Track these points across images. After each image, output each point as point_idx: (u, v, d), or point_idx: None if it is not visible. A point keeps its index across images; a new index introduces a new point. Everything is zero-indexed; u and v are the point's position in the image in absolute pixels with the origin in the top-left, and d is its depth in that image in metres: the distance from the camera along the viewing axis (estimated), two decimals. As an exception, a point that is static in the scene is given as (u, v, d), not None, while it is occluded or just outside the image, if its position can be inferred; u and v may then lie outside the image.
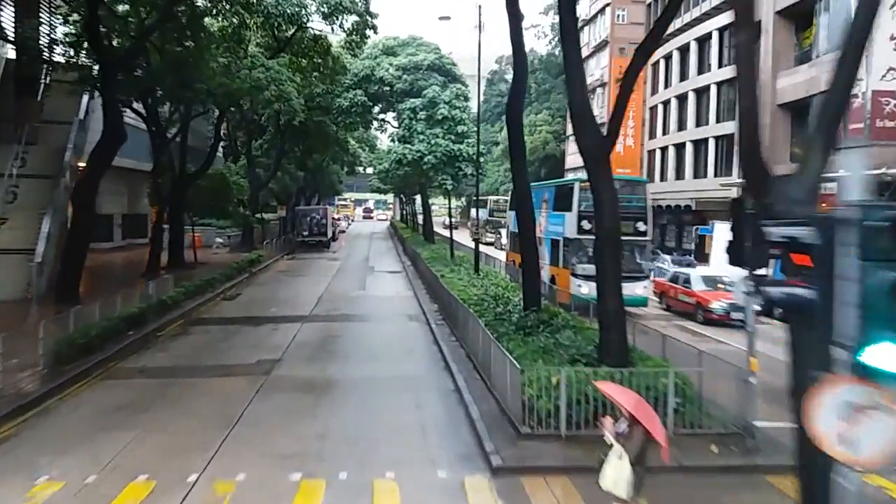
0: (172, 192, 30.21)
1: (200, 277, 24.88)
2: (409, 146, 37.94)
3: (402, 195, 73.60)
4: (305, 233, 46.02)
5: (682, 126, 44.85)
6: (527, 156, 21.03)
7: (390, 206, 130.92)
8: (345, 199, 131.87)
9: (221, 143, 42.26)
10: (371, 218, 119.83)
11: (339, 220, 73.15)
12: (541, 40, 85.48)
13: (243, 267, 31.18)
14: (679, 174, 45.34)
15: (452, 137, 36.00)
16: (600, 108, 54.15)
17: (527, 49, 19.52)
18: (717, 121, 39.87)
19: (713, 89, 40.48)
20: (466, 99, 39.53)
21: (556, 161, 72.65)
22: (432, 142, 36.16)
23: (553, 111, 74.99)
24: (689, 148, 44.13)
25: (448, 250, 35.54)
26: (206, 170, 31.99)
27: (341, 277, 32.62)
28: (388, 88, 39.67)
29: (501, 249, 45.38)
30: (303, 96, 38.42)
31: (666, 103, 47.22)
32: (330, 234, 47.69)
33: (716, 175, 39.45)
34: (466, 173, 36.37)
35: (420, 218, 61.20)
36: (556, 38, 74.01)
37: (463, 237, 57.61)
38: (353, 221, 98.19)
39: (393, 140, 43.19)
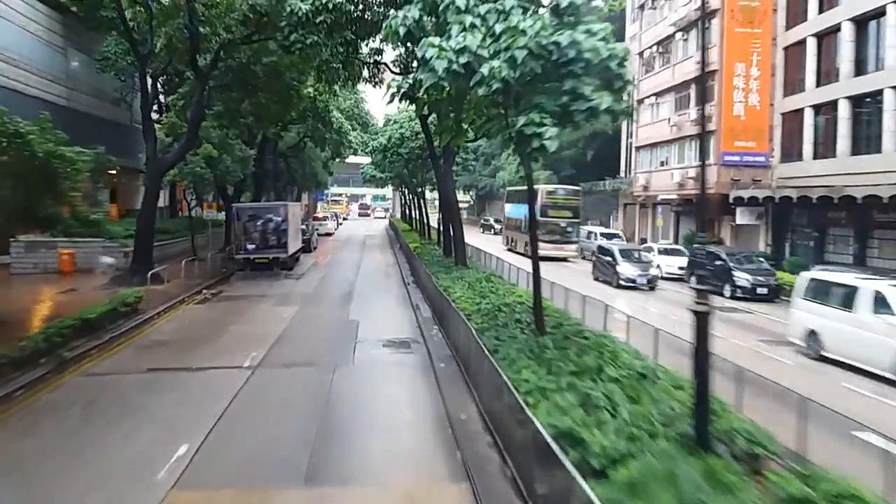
0: None
1: None
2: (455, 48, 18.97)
3: (404, 187, 55.47)
4: (251, 246, 27.95)
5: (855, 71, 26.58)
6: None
7: (389, 201, 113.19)
8: (339, 195, 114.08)
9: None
10: (368, 215, 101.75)
11: (322, 219, 54.91)
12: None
13: (66, 334, 13.27)
14: (830, 148, 27.28)
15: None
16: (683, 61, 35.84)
17: None
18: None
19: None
20: None
21: (610, 139, 54.46)
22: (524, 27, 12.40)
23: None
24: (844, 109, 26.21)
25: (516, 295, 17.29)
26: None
27: (285, 355, 14.42)
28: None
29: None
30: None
31: (822, 38, 28.83)
32: (293, 249, 29.49)
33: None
34: (617, 110, 11.28)
35: (423, 214, 43.32)
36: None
37: (483, 242, 39.79)
38: (344, 220, 79.84)
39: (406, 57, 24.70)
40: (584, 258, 35.99)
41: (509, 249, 39.94)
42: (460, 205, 46.49)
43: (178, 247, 32.93)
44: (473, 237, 43.85)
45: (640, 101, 43.29)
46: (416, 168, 37.99)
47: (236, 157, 32.96)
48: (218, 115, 29.24)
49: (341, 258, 36.01)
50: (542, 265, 12.56)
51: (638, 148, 44.10)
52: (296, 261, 32.12)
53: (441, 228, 29.13)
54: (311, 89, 37.41)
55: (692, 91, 36.49)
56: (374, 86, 28.32)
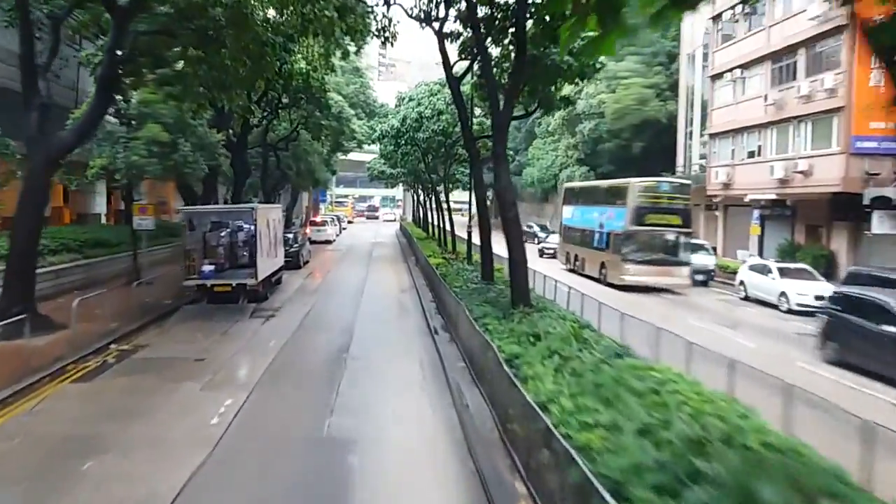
0: None
1: None
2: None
3: (418, 187, 46.48)
4: (208, 268, 18.97)
5: None
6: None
7: (399, 202, 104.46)
8: (344, 196, 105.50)
9: None
10: (376, 218, 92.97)
11: (320, 224, 45.97)
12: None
13: None
14: None
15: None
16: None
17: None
18: None
19: None
20: None
21: (662, 129, 45.39)
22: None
23: (648, 56, 47.64)
24: None
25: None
26: None
27: None
28: None
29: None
30: None
31: None
32: (269, 270, 20.24)
33: None
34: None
35: (446, 219, 34.06)
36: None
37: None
38: (348, 224, 70.95)
39: None
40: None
41: (571, 270, 29.79)
42: (461, 206, 37.14)
43: (122, 265, 24.18)
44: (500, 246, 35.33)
45: (716, 77, 34.18)
46: (436, 160, 29.08)
47: (197, 143, 24.19)
48: (164, 80, 20.30)
49: (339, 278, 26.99)
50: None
51: (713, 136, 34.91)
52: (276, 284, 23.21)
53: (478, 242, 20.00)
54: (303, 63, 28.99)
55: (801, 57, 27.36)
56: (384, 42, 19.69)
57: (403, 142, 27.27)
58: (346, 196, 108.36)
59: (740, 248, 32.82)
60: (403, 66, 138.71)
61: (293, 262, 28.64)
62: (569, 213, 32.07)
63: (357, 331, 16.00)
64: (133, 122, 23.41)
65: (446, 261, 25.96)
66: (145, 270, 23.56)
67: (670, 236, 24.92)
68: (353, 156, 75.77)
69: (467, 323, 13.49)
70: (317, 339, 15.22)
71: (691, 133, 43.35)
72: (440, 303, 19.01)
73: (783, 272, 22.12)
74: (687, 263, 25.24)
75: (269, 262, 20.94)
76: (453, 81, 18.91)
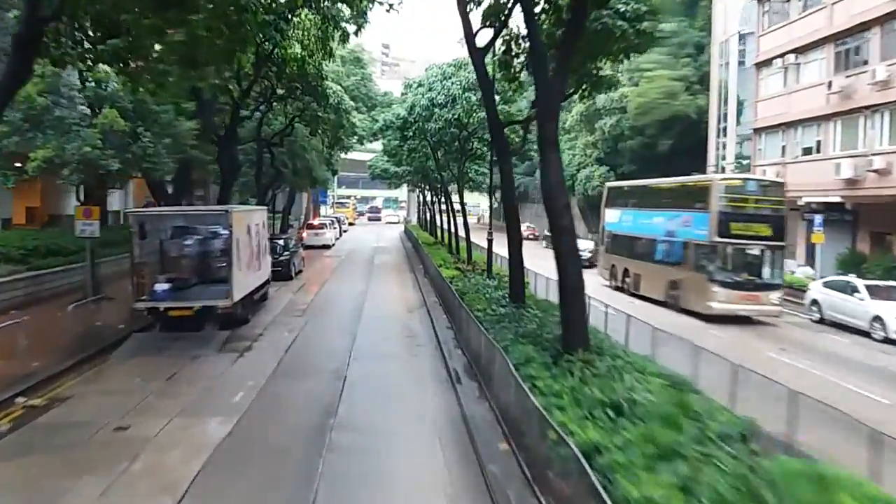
0: None
1: None
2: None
3: (426, 187, 42.44)
4: (162, 287, 14.96)
5: None
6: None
7: (402, 204, 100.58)
8: (346, 197, 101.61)
9: None
10: (379, 220, 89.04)
11: (318, 228, 41.91)
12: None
13: None
14: None
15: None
16: None
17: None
18: None
19: None
20: None
21: (691, 125, 41.37)
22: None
23: (676, 48, 43.53)
24: None
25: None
26: None
27: None
28: None
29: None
30: None
31: None
32: (247, 288, 16.07)
33: None
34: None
35: (459, 224, 29.84)
36: None
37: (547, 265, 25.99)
38: (349, 226, 66.96)
39: None
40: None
41: (617, 288, 24.66)
42: (469, 209, 32.97)
43: (76, 278, 20.24)
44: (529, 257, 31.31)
45: (762, 64, 30.11)
46: (449, 157, 25.06)
47: (161, 133, 20.27)
48: (114, 53, 16.24)
49: (335, 293, 22.85)
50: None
51: (759, 130, 30.84)
52: (262, 301, 19.25)
53: (494, 250, 15.89)
54: (298, 48, 25.40)
55: (875, 37, 23.29)
56: (389, 8, 16.00)
57: (411, 134, 23.25)
58: (347, 197, 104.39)
59: (787, 257, 28.71)
60: (408, 65, 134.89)
61: (283, 272, 24.67)
62: (614, 216, 26.01)
63: (351, 375, 11.93)
64: (91, 107, 19.58)
65: (461, 273, 21.97)
66: (106, 285, 19.63)
67: (763, 251, 19.63)
68: (355, 155, 71.77)
69: (505, 371, 9.47)
70: (296, 390, 11.13)
71: (724, 129, 39.33)
72: (459, 331, 14.94)
73: (873, 291, 18.03)
74: (779, 286, 20.08)
75: (249, 276, 16.91)
76: (476, 54, 14.95)
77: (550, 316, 14.16)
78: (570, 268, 10.47)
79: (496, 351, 10.16)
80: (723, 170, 37.95)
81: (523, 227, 47.57)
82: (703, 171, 39.90)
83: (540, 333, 12.21)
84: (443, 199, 35.96)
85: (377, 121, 24.88)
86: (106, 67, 16.32)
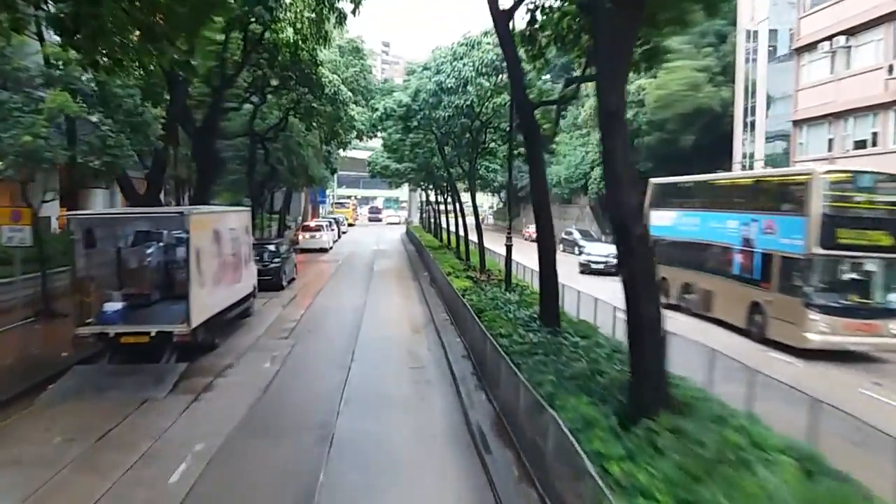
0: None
1: None
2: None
3: (431, 186, 39.39)
4: (112, 307, 11.83)
5: None
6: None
7: (403, 204, 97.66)
8: (345, 198, 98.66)
9: None
10: (380, 220, 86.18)
11: (314, 230, 38.83)
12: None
13: None
14: None
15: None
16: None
17: None
18: None
19: None
20: None
21: (714, 119, 38.33)
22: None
23: (697, 37, 40.38)
24: None
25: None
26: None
27: None
28: None
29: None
30: None
31: None
32: (214, 308, 13.08)
33: None
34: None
35: (470, 226, 26.66)
36: None
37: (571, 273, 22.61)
38: (349, 227, 63.97)
39: None
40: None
41: (670, 307, 18.10)
42: (479, 209, 29.53)
43: (26, 291, 17.13)
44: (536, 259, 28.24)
45: (804, 49, 27.09)
46: (459, 150, 22.03)
47: (128, 120, 17.31)
48: (56, 21, 13.18)
49: (328, 307, 19.66)
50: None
51: (799, 122, 27.82)
52: (241, 318, 16.26)
53: (539, 270, 12.75)
54: (290, 31, 22.68)
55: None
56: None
57: (415, 124, 20.21)
58: (348, 197, 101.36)
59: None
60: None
61: (273, 281, 21.68)
62: (664, 218, 20.86)
63: (340, 434, 8.84)
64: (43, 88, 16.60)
65: (474, 283, 18.94)
66: (60, 300, 16.61)
67: (880, 265, 14.49)
68: (355, 153, 68.86)
69: (558, 441, 6.45)
70: (263, 461, 8.02)
71: (751, 124, 36.30)
72: (480, 365, 11.84)
73: None
74: None
75: (218, 292, 13.86)
76: (501, 20, 11.94)
77: (595, 346, 11.17)
78: (644, 300, 7.41)
79: (541, 407, 7.13)
80: (749, 167, 34.93)
81: (530, 229, 44.32)
82: (729, 169, 36.90)
83: (591, 375, 9.19)
84: (449, 199, 32.91)
85: (376, 109, 21.81)
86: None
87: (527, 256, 19.72)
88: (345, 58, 40.23)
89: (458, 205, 27.56)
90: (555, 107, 13.53)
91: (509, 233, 18.11)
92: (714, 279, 18.39)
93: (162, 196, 32.18)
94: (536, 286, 19.63)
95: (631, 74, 40.08)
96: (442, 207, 39.77)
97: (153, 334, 11.87)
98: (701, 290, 18.95)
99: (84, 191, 32.35)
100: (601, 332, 12.71)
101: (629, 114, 41.65)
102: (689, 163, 40.35)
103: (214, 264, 13.57)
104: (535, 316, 13.11)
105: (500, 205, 75.70)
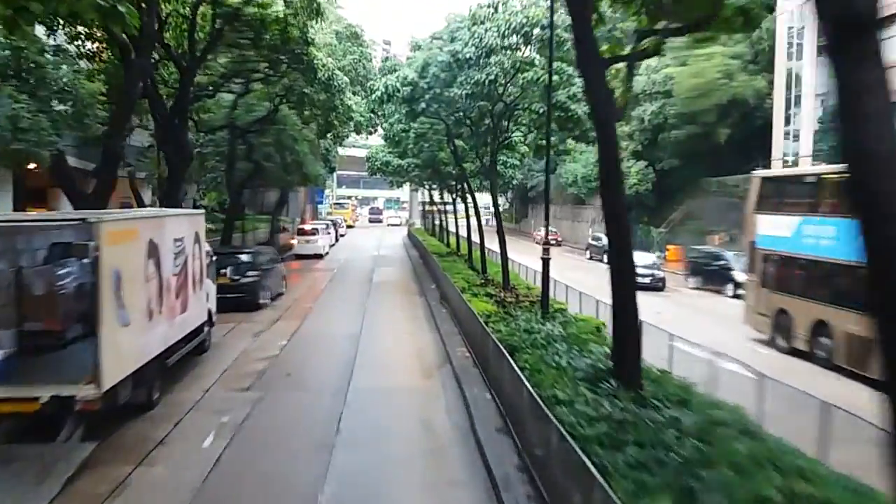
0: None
1: None
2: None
3: (438, 186, 35.28)
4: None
5: None
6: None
7: (404, 205, 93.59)
8: (345, 199, 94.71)
9: None
10: (380, 221, 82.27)
11: (309, 234, 34.69)
12: None
13: None
14: None
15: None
16: None
17: None
18: None
19: None
20: None
21: (747, 112, 34.46)
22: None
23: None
24: None
25: None
26: None
27: None
28: None
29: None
30: None
31: None
32: (145, 358, 9.11)
33: None
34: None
35: (457, 225, 22.71)
36: None
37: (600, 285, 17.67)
38: (348, 229, 59.97)
39: None
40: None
41: (794, 352, 14.40)
42: (482, 209, 25.71)
43: None
44: (563, 270, 24.32)
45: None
46: (477, 138, 17.92)
47: (58, 95, 13.36)
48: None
49: (313, 338, 15.43)
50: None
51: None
52: (199, 353, 12.26)
53: (613, 301, 8.66)
54: (280, 6, 19.02)
55: None
56: None
57: (423, 106, 16.07)
58: (348, 197, 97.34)
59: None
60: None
61: (247, 299, 17.66)
62: (781, 227, 15.40)
63: None
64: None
65: (498, 306, 14.90)
66: None
67: None
68: (354, 152, 64.81)
69: None
70: None
71: (793, 116, 32.26)
72: (529, 452, 7.72)
73: None
74: None
75: (152, 331, 9.78)
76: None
77: (711, 425, 7.14)
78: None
79: None
80: (793, 164, 30.93)
81: (540, 231, 39.47)
82: (768, 167, 32.92)
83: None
84: (459, 199, 28.89)
85: (375, 90, 17.66)
86: None
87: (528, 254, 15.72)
88: (342, 44, 36.33)
89: (473, 206, 23.46)
90: (624, 66, 9.50)
91: (546, 239, 14.03)
92: (871, 321, 13.32)
93: (150, 196, 28.48)
94: (573, 306, 15.77)
95: (655, 61, 35.89)
96: (449, 208, 35.73)
97: (45, 400, 7.89)
98: (845, 333, 12.82)
99: (53, 189, 28.40)
100: (698, 390, 8.69)
101: (655, 106, 37.77)
102: (720, 160, 36.46)
103: (148, 290, 9.55)
104: (600, 366, 9.09)
105: (507, 205, 71.54)
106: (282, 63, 23.81)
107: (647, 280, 23.28)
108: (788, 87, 32.10)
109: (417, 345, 14.35)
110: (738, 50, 35.93)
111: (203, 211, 13.08)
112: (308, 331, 15.73)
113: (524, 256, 24.99)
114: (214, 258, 17.16)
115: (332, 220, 48.75)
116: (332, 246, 40.37)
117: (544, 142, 17.53)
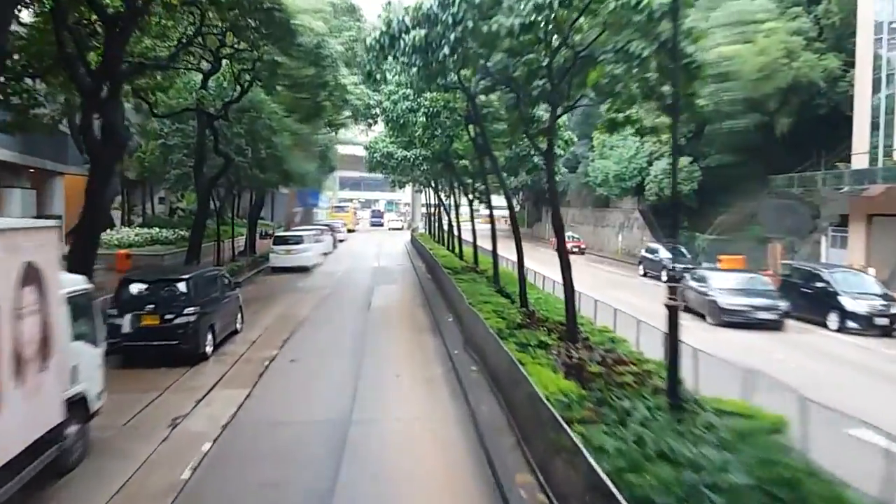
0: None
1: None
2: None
3: (454, 186, 29.03)
4: None
5: None
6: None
7: (406, 207, 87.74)
8: (346, 201, 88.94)
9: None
10: (381, 225, 76.63)
11: (287, 243, 28.36)
12: None
13: None
14: None
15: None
16: None
17: None
18: None
19: None
20: None
21: (810, 96, 28.51)
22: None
23: (791, -7, 30.31)
24: None
25: None
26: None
27: None
28: None
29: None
30: None
31: None
32: None
33: None
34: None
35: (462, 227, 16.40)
36: None
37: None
38: (348, 233, 53.94)
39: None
40: None
41: None
42: (496, 211, 19.91)
43: None
44: (604, 287, 18.25)
45: None
46: (539, 95, 11.71)
47: None
48: None
49: (270, 430, 9.58)
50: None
51: None
52: (46, 456, 6.00)
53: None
54: None
55: None
56: None
57: (445, 53, 9.84)
58: (350, 200, 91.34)
59: None
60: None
61: (185, 347, 11.58)
62: None
63: None
64: None
65: (575, 377, 8.81)
66: None
67: None
68: (355, 150, 58.63)
69: None
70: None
71: (875, 106, 26.14)
72: None
73: None
74: None
75: None
76: None
77: None
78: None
79: None
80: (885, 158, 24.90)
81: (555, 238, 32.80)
82: (848, 161, 26.91)
83: None
84: (477, 199, 22.86)
85: (373, 33, 11.50)
86: None
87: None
88: (338, 19, 30.36)
89: (507, 208, 17.24)
90: None
91: (673, 279, 7.94)
92: None
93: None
94: (648, 349, 9.71)
95: (707, 40, 30.11)
96: (463, 212, 29.70)
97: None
98: None
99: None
100: None
101: (710, 89, 31.75)
102: (778, 155, 30.49)
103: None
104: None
105: (518, 207, 65.33)
106: (249, 28, 17.87)
107: (743, 317, 16.93)
108: (875, 66, 25.99)
109: (443, 454, 8.15)
110: (796, 25, 29.95)
111: (55, 223, 7.00)
112: (257, 415, 9.52)
113: (546, 268, 19.60)
114: (118, 295, 11.17)
115: (327, 225, 42.69)
116: (326, 255, 34.32)
117: (621, 115, 11.55)
